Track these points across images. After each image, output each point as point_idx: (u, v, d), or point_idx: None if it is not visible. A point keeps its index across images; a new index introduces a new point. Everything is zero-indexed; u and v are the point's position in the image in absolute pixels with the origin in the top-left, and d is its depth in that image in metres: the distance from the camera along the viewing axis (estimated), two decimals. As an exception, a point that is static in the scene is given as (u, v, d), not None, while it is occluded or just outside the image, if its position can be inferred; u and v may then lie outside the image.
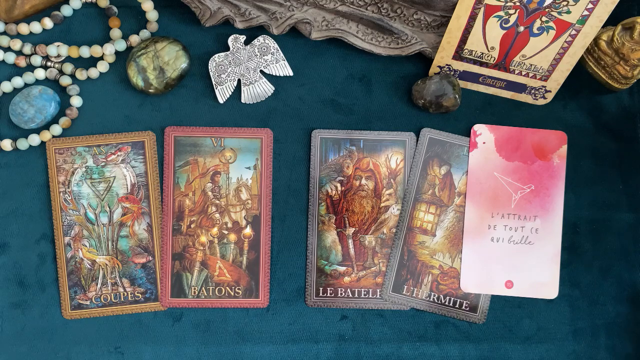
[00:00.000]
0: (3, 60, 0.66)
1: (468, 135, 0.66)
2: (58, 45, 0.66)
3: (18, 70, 0.66)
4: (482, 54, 0.64)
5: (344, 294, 0.65)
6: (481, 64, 0.65)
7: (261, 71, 0.66)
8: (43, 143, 0.65)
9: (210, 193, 0.65)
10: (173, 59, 0.64)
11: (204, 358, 0.64)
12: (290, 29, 0.65)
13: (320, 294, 0.65)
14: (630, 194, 0.67)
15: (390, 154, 0.66)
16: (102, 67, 0.66)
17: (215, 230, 0.65)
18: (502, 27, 0.62)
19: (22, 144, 0.64)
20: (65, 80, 0.65)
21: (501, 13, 0.61)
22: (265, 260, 0.65)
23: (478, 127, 0.66)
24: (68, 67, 0.65)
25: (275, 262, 0.65)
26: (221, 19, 0.64)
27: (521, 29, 0.62)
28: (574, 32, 0.61)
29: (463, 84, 0.67)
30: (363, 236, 0.65)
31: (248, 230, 0.65)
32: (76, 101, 0.65)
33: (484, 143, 0.66)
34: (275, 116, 0.66)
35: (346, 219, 0.65)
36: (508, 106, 0.67)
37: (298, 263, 0.65)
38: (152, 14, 0.66)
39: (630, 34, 0.63)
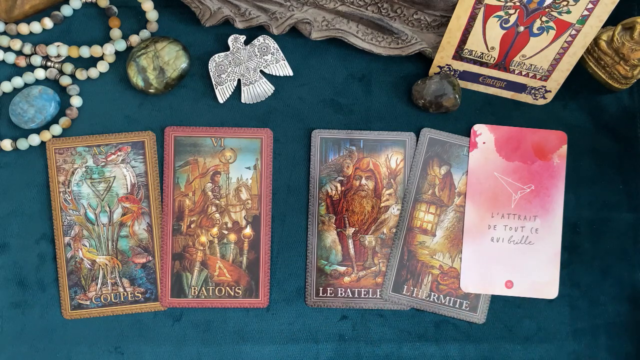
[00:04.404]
0: (3, 60, 0.66)
1: (468, 135, 0.66)
2: (58, 45, 0.66)
3: (18, 70, 0.66)
4: (482, 54, 0.64)
5: (344, 294, 0.65)
6: (481, 64, 0.65)
7: (261, 71, 0.66)
8: (43, 143, 0.65)
9: (210, 193, 0.65)
10: (173, 59, 0.64)
11: (204, 358, 0.64)
12: (290, 29, 0.65)
13: (320, 294, 0.65)
14: (630, 194, 0.67)
15: (390, 154, 0.66)
16: (102, 67, 0.66)
17: (215, 230, 0.65)
18: (502, 27, 0.62)
19: (22, 144, 0.64)
20: (65, 80, 0.65)
21: (501, 13, 0.61)
22: (265, 260, 0.65)
23: (478, 127, 0.66)
24: (68, 67, 0.65)
25: (275, 262, 0.65)
26: (221, 19, 0.64)
27: (521, 29, 0.62)
28: (574, 32, 0.61)
29: (463, 84, 0.67)
30: (363, 236, 0.65)
31: (248, 230, 0.65)
32: (76, 101, 0.65)
33: (484, 143, 0.66)
34: (275, 116, 0.66)
35: (346, 219, 0.65)
36: (508, 106, 0.68)
37: (298, 263, 0.65)
38: (152, 14, 0.66)
39: (630, 34, 0.63)
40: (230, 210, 0.65)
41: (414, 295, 0.65)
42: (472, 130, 0.66)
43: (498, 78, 0.66)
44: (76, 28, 0.67)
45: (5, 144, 0.64)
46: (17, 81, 0.65)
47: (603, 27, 0.63)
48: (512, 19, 0.61)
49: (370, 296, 0.65)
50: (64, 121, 0.65)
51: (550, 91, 0.66)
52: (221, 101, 0.66)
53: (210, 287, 0.65)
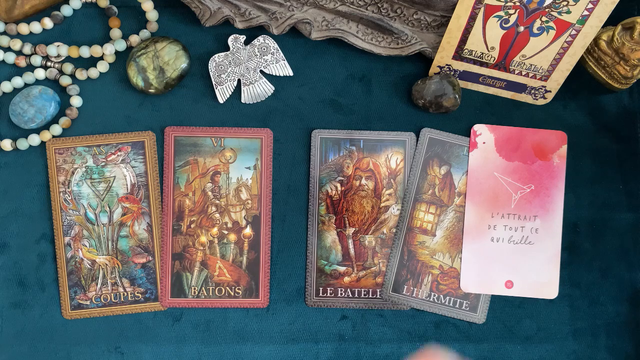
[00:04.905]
0: (3, 60, 0.66)
1: (468, 135, 0.66)
2: (58, 45, 0.66)
3: (18, 70, 0.66)
4: (482, 54, 0.64)
5: (344, 294, 0.65)
6: (481, 64, 0.65)
7: (261, 71, 0.66)
8: (43, 143, 0.65)
9: (210, 193, 0.65)
10: (173, 59, 0.64)
11: (204, 358, 0.64)
12: (290, 29, 0.65)
13: (320, 294, 0.65)
14: (630, 194, 0.67)
15: (390, 154, 0.66)
16: (102, 67, 0.66)
17: (215, 230, 0.65)
18: (502, 27, 0.62)
19: (22, 144, 0.64)
20: (65, 80, 0.65)
21: (501, 13, 0.61)
22: (265, 260, 0.65)
23: (478, 127, 0.66)
24: (68, 67, 0.65)
25: (275, 262, 0.65)
26: (221, 19, 0.64)
27: (521, 29, 0.62)
28: (574, 32, 0.61)
29: (463, 84, 0.67)
30: (363, 236, 0.65)
31: (248, 230, 0.65)
32: (76, 101, 0.65)
33: (484, 143, 0.66)
34: (275, 116, 0.66)
35: (346, 219, 0.65)
36: (508, 106, 0.68)
37: (298, 263, 0.65)
38: (152, 14, 0.66)
39: (630, 34, 0.63)
40: (230, 210, 0.65)
41: (414, 295, 0.65)
42: (472, 130, 0.66)
43: (498, 78, 0.66)
44: (76, 28, 0.67)
45: (5, 144, 0.64)
46: (17, 81, 0.65)
47: (603, 27, 0.63)
48: (512, 19, 0.61)
49: (370, 296, 0.65)
50: (64, 121, 0.65)
51: (550, 91, 0.66)
52: (221, 101, 0.66)
53: (210, 287, 0.65)
